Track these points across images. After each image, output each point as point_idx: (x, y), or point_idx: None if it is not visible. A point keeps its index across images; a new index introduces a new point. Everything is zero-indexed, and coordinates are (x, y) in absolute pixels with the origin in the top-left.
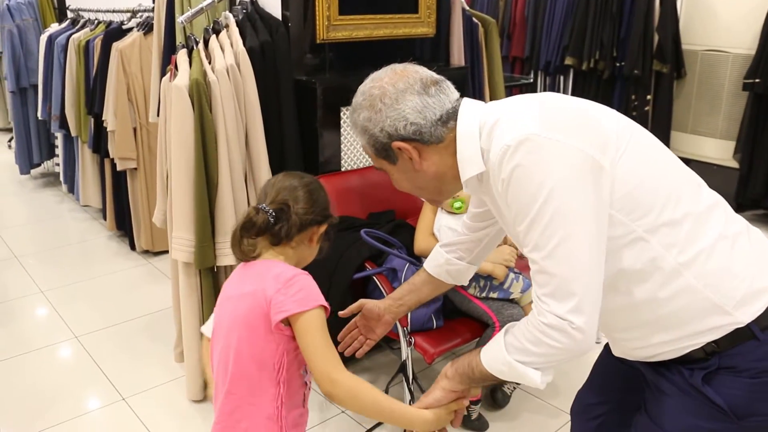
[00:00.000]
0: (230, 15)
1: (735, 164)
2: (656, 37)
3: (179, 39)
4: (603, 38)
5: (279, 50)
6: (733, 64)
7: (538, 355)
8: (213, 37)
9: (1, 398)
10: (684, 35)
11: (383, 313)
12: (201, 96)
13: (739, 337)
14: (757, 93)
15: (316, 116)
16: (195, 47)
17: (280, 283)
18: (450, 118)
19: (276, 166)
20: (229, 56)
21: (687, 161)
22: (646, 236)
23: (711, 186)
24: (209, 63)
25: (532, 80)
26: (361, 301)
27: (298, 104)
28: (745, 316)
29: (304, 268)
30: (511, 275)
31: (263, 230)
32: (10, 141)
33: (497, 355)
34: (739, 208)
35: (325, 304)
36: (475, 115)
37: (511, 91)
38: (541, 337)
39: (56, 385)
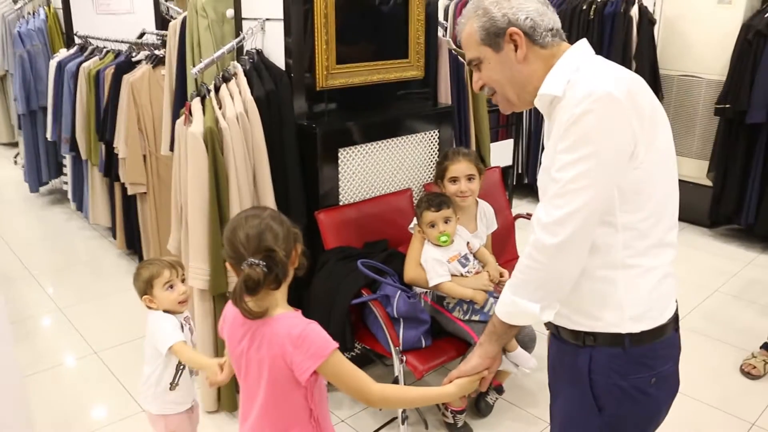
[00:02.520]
0: (238, 65)
1: (709, 182)
2: (634, 65)
3: (191, 87)
4: None
5: (283, 98)
6: (707, 89)
7: (528, 282)
8: (223, 85)
9: (29, 412)
10: (661, 61)
11: None
12: (214, 142)
13: (614, 340)
14: (727, 118)
15: (317, 157)
16: (207, 95)
17: (292, 345)
18: (557, 35)
19: (281, 201)
20: (238, 104)
21: None
22: (618, 227)
23: (687, 203)
24: (220, 109)
25: None
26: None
27: (300, 146)
28: (629, 328)
29: (311, 296)
30: (491, 300)
31: (264, 283)
32: (15, 156)
33: (503, 299)
34: (713, 224)
35: (335, 345)
36: (582, 52)
37: (498, 115)
38: (524, 261)
39: (79, 399)
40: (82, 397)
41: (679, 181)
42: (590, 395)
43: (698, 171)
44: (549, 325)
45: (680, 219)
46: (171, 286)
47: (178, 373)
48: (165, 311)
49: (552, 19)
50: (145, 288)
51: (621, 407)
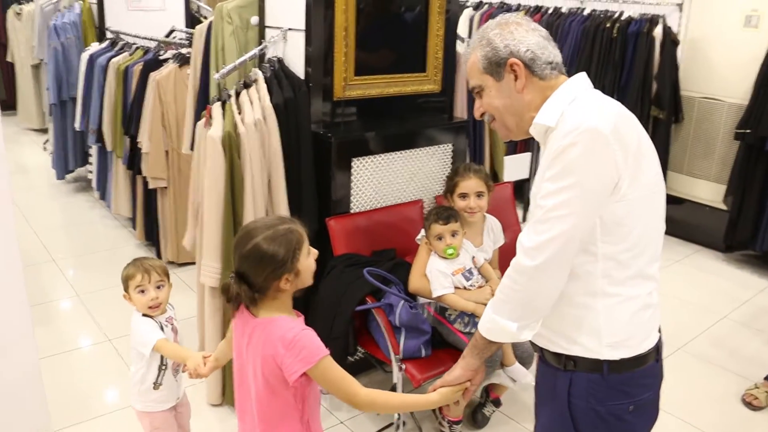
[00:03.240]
0: (259, 72)
1: (725, 207)
2: (655, 85)
3: (213, 89)
4: (605, 84)
5: (300, 107)
6: (728, 113)
7: (505, 302)
8: (244, 90)
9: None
10: (683, 82)
11: None
12: (232, 146)
13: (593, 366)
14: (747, 143)
15: (331, 165)
16: (228, 100)
17: (284, 347)
18: (556, 68)
19: (294, 206)
20: (257, 110)
21: (681, 201)
22: (599, 257)
23: (702, 226)
24: (239, 114)
25: None
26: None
27: (315, 154)
28: (607, 354)
29: (318, 299)
30: None
31: (234, 298)
32: (45, 143)
33: (484, 315)
34: (727, 249)
35: (325, 353)
36: (579, 85)
37: None
38: (505, 281)
39: (92, 383)
40: (94, 382)
41: (695, 203)
42: (569, 418)
43: (715, 194)
44: (535, 347)
45: (694, 241)
46: (142, 291)
47: (161, 372)
48: (143, 315)
49: (552, 53)
50: (124, 286)
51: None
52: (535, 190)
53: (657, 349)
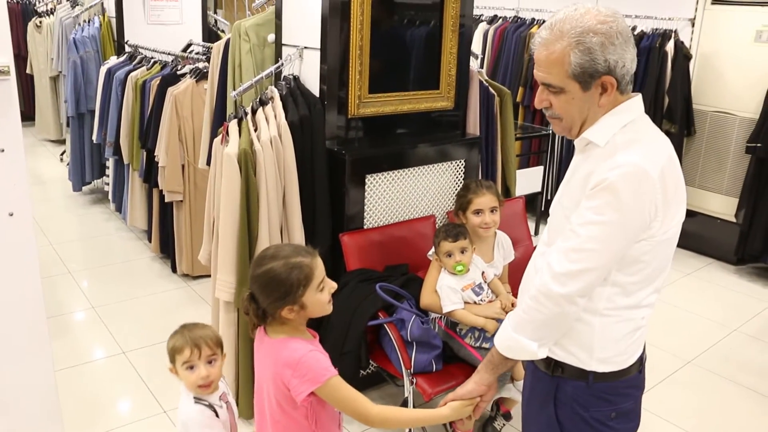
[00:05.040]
0: (275, 90)
1: (737, 220)
2: (666, 99)
3: (230, 105)
4: None
5: (315, 124)
6: (740, 127)
7: (530, 322)
8: (260, 108)
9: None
10: (695, 96)
11: None
12: (248, 163)
13: (579, 374)
14: (758, 157)
15: (345, 182)
16: (244, 118)
17: (290, 369)
18: (630, 82)
19: (308, 222)
20: (273, 128)
21: (693, 214)
22: (608, 282)
23: (713, 239)
24: (255, 131)
25: (550, 131)
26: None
27: (329, 170)
28: (595, 367)
29: (331, 314)
30: None
31: (246, 313)
32: (62, 154)
33: (504, 334)
34: (738, 261)
35: (332, 374)
36: (637, 109)
37: (530, 142)
38: (528, 302)
39: (106, 396)
40: (108, 394)
41: (707, 216)
42: (555, 421)
43: (726, 208)
44: None
45: (705, 254)
46: (191, 367)
47: None
48: (195, 398)
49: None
50: (170, 358)
51: None
52: (567, 203)
53: (640, 361)
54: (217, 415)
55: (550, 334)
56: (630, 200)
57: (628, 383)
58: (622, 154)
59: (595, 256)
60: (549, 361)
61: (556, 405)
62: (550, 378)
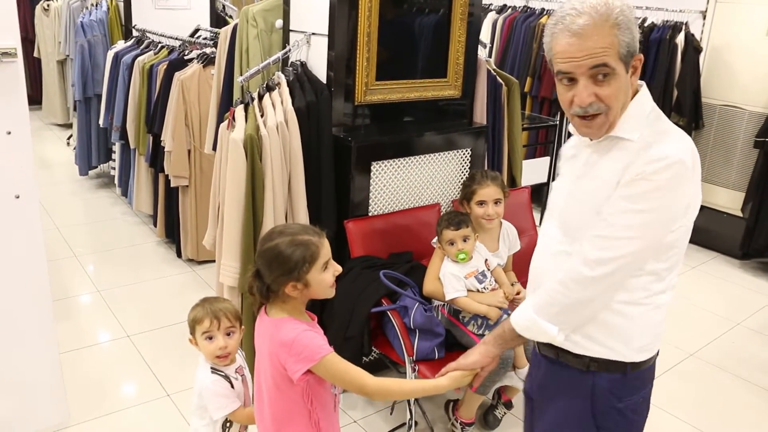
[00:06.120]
0: (282, 76)
1: (743, 214)
2: (675, 92)
3: (237, 91)
4: None
5: (322, 110)
6: (749, 121)
7: (552, 305)
8: (267, 94)
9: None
10: (704, 90)
11: None
12: (253, 149)
13: (617, 367)
14: (767, 152)
15: (350, 169)
16: (251, 103)
17: (285, 348)
18: None
19: (313, 209)
20: (279, 114)
21: (699, 208)
22: (645, 271)
23: (719, 233)
24: (262, 117)
25: (558, 122)
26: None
27: (335, 157)
28: (632, 357)
29: (334, 300)
30: (504, 316)
31: (252, 290)
32: (69, 138)
33: (523, 314)
34: (744, 256)
35: (327, 352)
36: (649, 97)
37: (537, 132)
38: (554, 286)
39: (110, 379)
40: (112, 377)
41: (713, 210)
42: (590, 415)
43: (733, 202)
44: (546, 347)
45: (711, 248)
46: (210, 337)
47: (225, 431)
48: (212, 368)
49: None
50: (191, 329)
51: (617, 427)
52: (581, 196)
53: None
54: (232, 386)
55: (574, 320)
56: (667, 191)
57: (651, 368)
58: (658, 147)
59: (629, 244)
60: (581, 357)
61: (593, 400)
62: (584, 373)
